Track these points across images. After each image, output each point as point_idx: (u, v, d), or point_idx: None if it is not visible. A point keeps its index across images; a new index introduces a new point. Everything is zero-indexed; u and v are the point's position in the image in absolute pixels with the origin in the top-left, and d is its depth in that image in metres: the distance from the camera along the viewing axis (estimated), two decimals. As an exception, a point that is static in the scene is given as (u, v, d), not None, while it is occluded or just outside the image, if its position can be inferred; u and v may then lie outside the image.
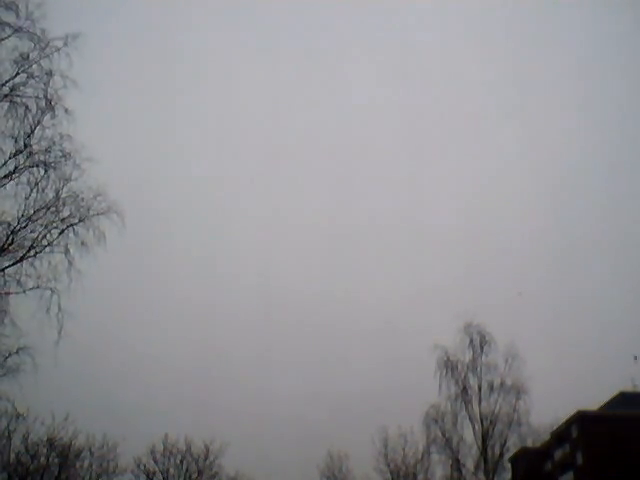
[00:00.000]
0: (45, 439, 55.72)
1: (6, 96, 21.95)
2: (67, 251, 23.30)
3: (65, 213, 23.39)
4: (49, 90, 22.28)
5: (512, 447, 51.72)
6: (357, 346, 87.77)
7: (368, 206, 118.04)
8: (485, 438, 49.76)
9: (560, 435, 63.11)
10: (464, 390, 50.69)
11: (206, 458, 68.90)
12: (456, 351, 51.26)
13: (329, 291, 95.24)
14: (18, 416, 36.57)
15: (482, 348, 51.14)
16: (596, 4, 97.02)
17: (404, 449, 66.36)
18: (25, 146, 22.36)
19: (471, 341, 51.26)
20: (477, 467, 49.67)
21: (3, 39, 21.74)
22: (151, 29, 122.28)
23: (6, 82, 22.00)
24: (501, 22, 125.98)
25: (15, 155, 22.35)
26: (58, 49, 22.20)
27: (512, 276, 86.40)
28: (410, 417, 57.42)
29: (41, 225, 23.07)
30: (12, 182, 22.44)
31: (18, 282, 22.72)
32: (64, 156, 22.87)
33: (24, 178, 22.61)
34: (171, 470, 68.49)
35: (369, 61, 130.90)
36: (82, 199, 23.57)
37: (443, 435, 50.56)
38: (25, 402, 27.96)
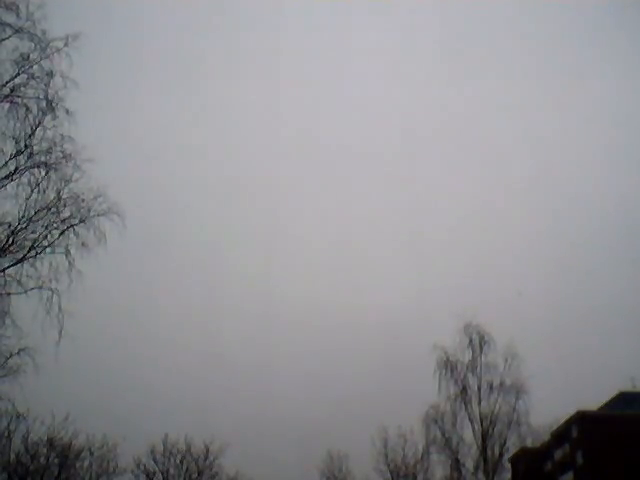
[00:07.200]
0: (45, 439, 55.89)
1: (7, 97, 21.93)
2: (68, 252, 23.27)
3: (66, 214, 23.38)
4: (50, 91, 22.26)
5: (512, 447, 51.77)
6: (357, 346, 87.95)
7: (368, 207, 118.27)
8: (485, 438, 49.79)
9: (560, 435, 63.12)
10: (464, 390, 50.73)
11: (206, 458, 69.04)
12: (456, 351, 51.36)
13: (329, 291, 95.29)
14: (18, 416, 36.49)
15: (482, 348, 51.22)
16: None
17: (404, 449, 66.60)
18: (26, 147, 22.33)
19: (470, 341, 51.33)
20: (477, 467, 49.70)
21: (4, 40, 21.72)
22: (151, 29, 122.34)
23: (7, 83, 21.97)
24: (502, 22, 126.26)
25: (16, 156, 22.32)
26: (59, 50, 22.13)
27: (512, 276, 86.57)
28: (410, 417, 57.53)
29: (42, 226, 23.05)
30: (13, 183, 22.41)
31: (19, 283, 22.70)
32: (65, 157, 22.85)
33: (25, 179, 22.61)
34: (171, 470, 68.59)
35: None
36: (83, 200, 23.53)
37: (443, 435, 50.60)
38: (25, 402, 27.93)
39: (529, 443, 57.84)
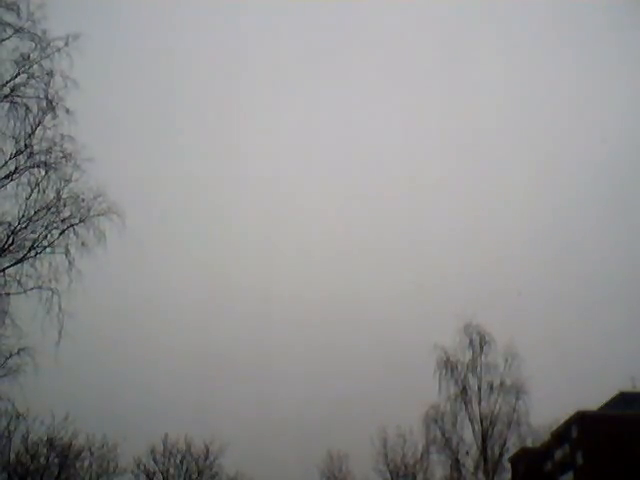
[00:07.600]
0: (45, 439, 55.70)
1: (7, 96, 21.94)
2: (67, 251, 23.29)
3: (65, 214, 23.41)
4: (50, 90, 22.29)
5: (512, 447, 51.67)
6: (357, 346, 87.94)
7: (368, 206, 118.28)
8: (485, 438, 49.73)
9: (560, 435, 63.11)
10: (464, 390, 50.67)
11: (206, 458, 68.96)
12: (456, 351, 51.27)
13: (329, 290, 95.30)
14: (18, 416, 36.50)
15: (482, 348, 51.15)
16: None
17: (403, 449, 66.57)
18: (26, 147, 22.35)
19: (471, 341, 51.27)
20: (477, 467, 49.65)
21: (4, 39, 21.74)
22: (150, 29, 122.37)
23: (7, 82, 21.99)
24: (501, 21, 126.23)
25: (16, 155, 22.34)
26: (59, 49, 22.17)
27: (512, 276, 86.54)
28: (410, 417, 57.53)
29: (42, 226, 23.06)
30: (13, 182, 22.45)
31: (19, 282, 22.70)
32: (65, 157, 22.87)
33: (25, 178, 22.64)
34: (171, 470, 68.51)
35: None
36: (82, 200, 23.57)
37: (443, 435, 50.53)
38: (25, 402, 27.94)
39: (529, 443, 57.83)
